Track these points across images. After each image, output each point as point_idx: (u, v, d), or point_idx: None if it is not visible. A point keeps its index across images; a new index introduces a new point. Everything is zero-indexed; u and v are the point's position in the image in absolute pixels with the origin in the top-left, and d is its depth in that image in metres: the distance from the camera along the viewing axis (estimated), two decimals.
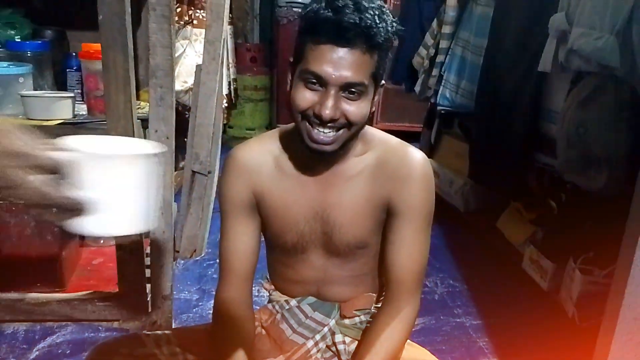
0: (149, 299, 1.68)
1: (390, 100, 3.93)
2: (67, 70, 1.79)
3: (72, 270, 1.77)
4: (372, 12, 0.83)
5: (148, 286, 1.67)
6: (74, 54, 1.80)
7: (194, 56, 2.40)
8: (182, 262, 2.12)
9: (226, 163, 1.03)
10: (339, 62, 0.83)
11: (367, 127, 0.96)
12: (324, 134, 0.87)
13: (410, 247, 0.97)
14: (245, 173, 1.00)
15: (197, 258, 2.16)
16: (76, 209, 0.59)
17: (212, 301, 1.83)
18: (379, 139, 0.98)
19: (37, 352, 1.56)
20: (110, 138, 0.73)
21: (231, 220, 1.01)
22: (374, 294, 1.07)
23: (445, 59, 2.55)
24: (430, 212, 0.98)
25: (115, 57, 1.39)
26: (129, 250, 1.57)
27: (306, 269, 1.04)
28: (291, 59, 0.91)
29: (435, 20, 2.62)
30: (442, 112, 2.63)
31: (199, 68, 1.94)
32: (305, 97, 0.86)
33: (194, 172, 2.05)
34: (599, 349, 1.21)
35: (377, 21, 0.83)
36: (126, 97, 1.43)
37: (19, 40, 1.72)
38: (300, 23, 0.89)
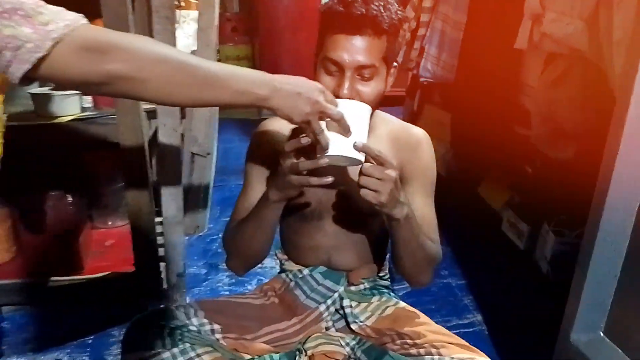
0: (163, 276, 1.82)
1: None
2: None
3: (87, 253, 1.89)
4: (377, 4, 0.97)
5: (162, 264, 1.81)
6: None
7: (183, 38, 2.45)
8: (187, 238, 2.25)
9: (255, 134, 1.17)
10: (352, 48, 0.96)
11: (377, 111, 1.09)
12: (345, 96, 0.99)
13: (424, 208, 1.13)
14: (270, 143, 1.13)
15: (201, 234, 2.29)
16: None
17: (220, 274, 1.99)
18: (387, 119, 1.15)
19: (63, 330, 1.70)
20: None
21: (252, 181, 1.15)
22: (377, 265, 1.23)
23: (426, 32, 2.64)
24: (434, 178, 1.15)
25: None
26: (144, 232, 1.70)
27: (319, 235, 1.17)
28: (315, 49, 1.03)
29: None
30: (424, 83, 2.75)
31: (193, 54, 2.01)
32: (326, 81, 0.99)
33: (193, 154, 2.15)
34: (571, 302, 1.38)
35: (382, 10, 0.96)
36: None
37: None
38: (320, 19, 1.02)
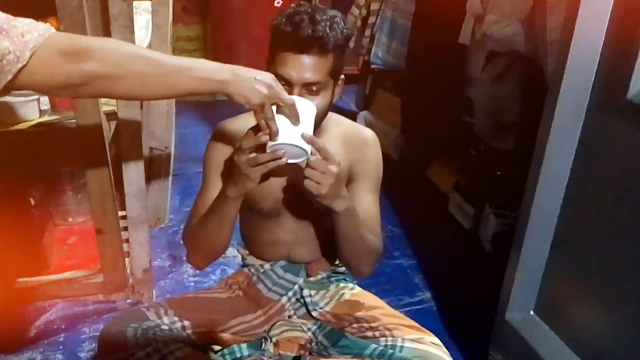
0: (128, 272, 1.88)
1: None
2: None
3: (52, 252, 1.92)
4: (323, 24, 1.03)
5: (126, 259, 1.87)
6: None
7: (136, 30, 2.43)
8: (149, 230, 2.30)
9: (215, 133, 1.24)
10: (300, 66, 1.03)
11: (330, 113, 1.18)
12: None
13: (369, 203, 1.23)
14: (229, 143, 1.20)
15: (162, 226, 2.34)
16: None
17: (184, 266, 2.06)
18: (339, 121, 1.24)
19: (35, 330, 1.74)
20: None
21: (211, 180, 1.22)
22: (333, 258, 1.34)
23: (376, 20, 2.72)
24: (380, 176, 1.25)
25: None
26: (108, 232, 1.74)
27: (278, 231, 1.27)
28: (266, 60, 1.10)
29: None
30: (375, 69, 2.84)
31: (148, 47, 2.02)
32: None
33: (151, 149, 2.18)
34: (505, 282, 1.54)
35: (328, 31, 1.03)
36: (94, 103, 1.55)
37: None
38: (270, 34, 1.08)
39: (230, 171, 1.17)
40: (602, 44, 1.09)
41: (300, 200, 1.22)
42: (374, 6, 2.70)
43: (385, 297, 1.93)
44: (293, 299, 1.32)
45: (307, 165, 1.03)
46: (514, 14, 1.72)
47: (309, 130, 1.01)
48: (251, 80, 0.91)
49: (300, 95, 1.06)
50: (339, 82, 1.14)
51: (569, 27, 1.11)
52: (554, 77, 1.22)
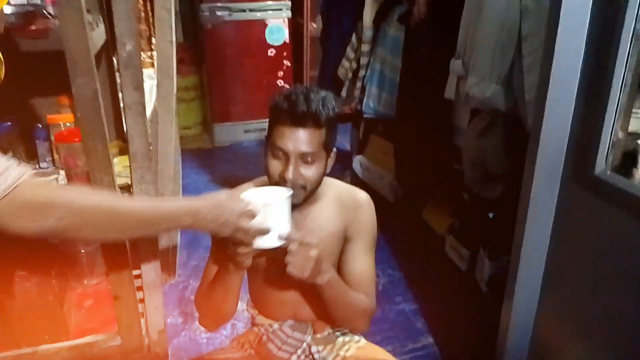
0: (144, 332, 1.97)
1: (317, 87, 4.24)
2: (36, 141, 1.95)
3: (70, 317, 2.01)
4: (316, 102, 1.16)
5: (142, 320, 1.96)
6: (40, 125, 1.96)
7: None
8: None
9: None
10: (296, 139, 1.17)
11: (325, 178, 1.30)
12: (290, 178, 1.20)
13: (362, 262, 1.35)
14: None
15: (172, 282, 2.44)
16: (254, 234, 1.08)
17: (196, 323, 2.15)
18: (334, 184, 1.36)
19: None
20: (259, 189, 1.20)
21: (218, 248, 1.34)
22: None
23: (366, 72, 2.87)
24: (375, 236, 1.37)
25: (96, 146, 1.61)
26: (125, 298, 1.84)
27: (284, 293, 1.38)
28: (265, 136, 1.25)
29: (354, 35, 2.92)
30: (367, 118, 2.98)
31: (155, 120, 2.16)
32: (274, 164, 1.21)
33: None
34: (501, 325, 1.64)
35: (321, 107, 1.16)
36: (109, 177, 1.66)
37: None
38: (269, 112, 1.23)
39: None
40: (570, 123, 1.22)
41: None
42: (363, 60, 2.85)
43: (389, 344, 2.04)
44: (302, 356, 1.43)
45: (288, 252, 1.16)
46: (493, 75, 1.86)
47: (285, 226, 1.14)
48: (218, 224, 1.03)
49: (295, 165, 1.19)
50: (332, 154, 1.27)
51: (540, 107, 1.25)
52: (530, 146, 1.35)
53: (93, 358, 1.94)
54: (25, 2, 1.78)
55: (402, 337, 2.12)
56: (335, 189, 1.36)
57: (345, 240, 1.35)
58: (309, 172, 1.21)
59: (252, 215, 1.11)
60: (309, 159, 1.19)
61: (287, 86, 4.33)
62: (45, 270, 1.83)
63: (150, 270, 1.84)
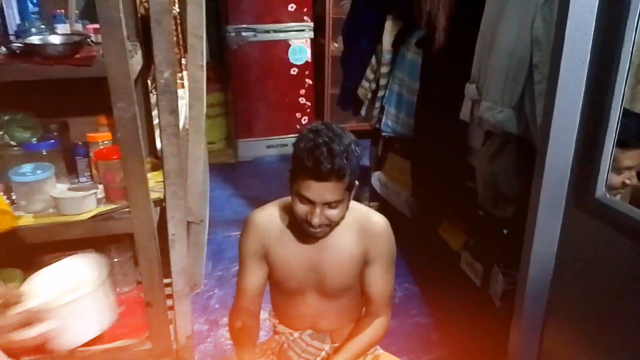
0: (172, 338, 2.09)
1: (337, 105, 4.36)
2: (76, 157, 2.09)
3: None
4: (341, 157, 1.21)
5: (170, 327, 2.08)
6: (79, 143, 2.11)
7: None
8: None
9: (246, 223, 1.46)
10: (321, 191, 1.25)
11: None
12: (314, 230, 1.31)
13: (381, 282, 1.44)
14: (259, 232, 1.43)
15: (198, 291, 2.57)
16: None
17: (221, 330, 2.27)
18: (353, 208, 1.42)
19: None
20: (64, 263, 1.21)
21: (246, 264, 1.45)
22: (354, 323, 1.54)
23: (385, 93, 2.98)
24: (393, 256, 1.46)
25: (133, 164, 1.75)
26: (156, 305, 1.97)
27: (304, 306, 1.48)
28: (289, 174, 1.33)
29: (374, 57, 3.04)
30: (386, 137, 3.09)
31: (185, 139, 2.30)
32: (301, 208, 1.30)
33: (188, 222, 2.43)
34: (511, 341, 1.72)
35: (345, 162, 1.22)
36: (144, 192, 1.80)
37: (35, 141, 2.01)
38: (292, 160, 1.30)
39: (264, 254, 1.43)
40: (573, 150, 1.32)
41: (320, 281, 1.43)
42: (382, 81, 2.96)
43: (405, 356, 2.13)
44: None
45: None
46: (505, 100, 1.96)
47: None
48: None
49: (321, 211, 1.27)
50: (354, 189, 1.35)
51: (545, 135, 1.35)
52: (536, 171, 1.45)
53: None
54: (70, 32, 1.95)
55: (416, 348, 2.20)
56: (356, 213, 1.43)
57: (365, 262, 1.43)
58: (334, 213, 1.30)
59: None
60: (334, 204, 1.28)
61: (309, 104, 4.48)
62: None
63: (179, 279, 1.97)
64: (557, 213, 1.39)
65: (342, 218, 1.34)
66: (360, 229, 1.41)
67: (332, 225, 1.32)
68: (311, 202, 1.27)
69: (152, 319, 2.00)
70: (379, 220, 1.44)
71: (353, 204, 1.43)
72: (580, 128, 1.29)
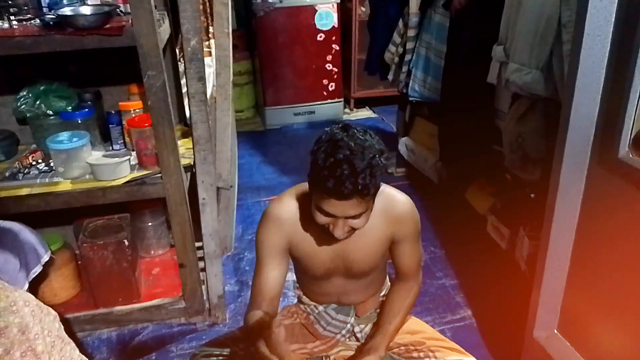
0: (205, 297, 2.19)
1: (364, 70, 4.33)
2: (110, 126, 2.17)
3: (140, 283, 2.26)
4: (364, 174, 1.10)
5: (203, 287, 2.18)
6: (113, 112, 2.19)
7: None
8: None
9: (264, 217, 1.38)
10: (342, 209, 1.15)
11: None
12: (339, 236, 1.24)
13: (411, 255, 1.45)
14: (282, 227, 1.35)
15: (229, 254, 2.66)
16: None
17: None
18: (379, 192, 1.32)
19: (130, 349, 2.08)
20: None
21: (265, 261, 1.37)
22: (379, 293, 1.59)
23: (412, 57, 2.96)
24: (419, 232, 1.44)
25: (164, 131, 1.82)
26: (188, 266, 2.06)
27: (329, 287, 1.49)
28: (308, 178, 1.20)
29: (401, 20, 3.01)
30: (413, 101, 3.08)
31: (213, 106, 2.35)
32: (322, 219, 1.22)
33: (218, 188, 2.51)
34: (532, 303, 1.73)
35: (369, 180, 1.11)
36: (175, 158, 1.87)
37: (70, 110, 2.09)
38: (311, 168, 1.17)
39: (283, 250, 1.37)
40: (597, 109, 1.31)
41: (347, 266, 1.43)
42: (409, 45, 2.93)
43: (429, 315, 2.18)
44: (347, 335, 1.55)
45: None
46: (533, 62, 1.93)
47: None
48: None
49: (343, 224, 1.19)
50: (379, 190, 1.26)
51: (569, 93, 1.34)
52: (560, 131, 1.44)
53: (161, 320, 2.19)
54: (100, 3, 1.99)
55: (441, 309, 2.24)
56: (380, 197, 1.34)
57: (392, 242, 1.42)
58: (358, 223, 1.22)
59: None
60: (357, 216, 1.19)
61: (335, 70, 4.46)
62: (120, 241, 2.07)
63: (210, 242, 2.05)
64: (581, 173, 1.39)
65: (367, 222, 1.26)
66: (385, 213, 1.37)
67: (355, 231, 1.26)
68: (333, 217, 1.19)
69: (185, 279, 2.10)
70: (403, 201, 1.39)
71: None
72: (605, 87, 1.27)
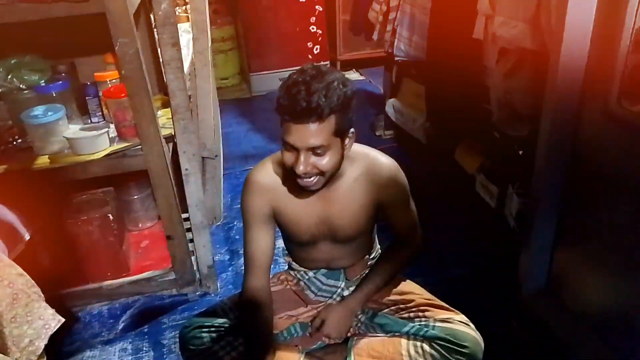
0: (195, 268, 2.18)
1: (349, 31, 4.24)
2: (87, 98, 2.11)
3: (129, 256, 2.24)
4: (318, 94, 1.10)
5: (193, 258, 2.16)
6: (88, 83, 2.12)
7: None
8: None
9: (246, 183, 1.38)
10: (301, 134, 1.15)
11: (352, 149, 1.31)
12: (306, 181, 1.24)
13: (402, 218, 1.44)
14: (264, 193, 1.36)
15: (218, 223, 2.64)
16: None
17: (241, 259, 2.33)
18: (361, 154, 1.35)
19: (122, 323, 2.07)
20: None
21: (252, 228, 1.39)
22: (368, 256, 1.57)
23: (396, 15, 2.87)
24: (408, 195, 1.42)
25: (141, 101, 1.76)
26: (176, 238, 2.04)
27: (317, 253, 1.49)
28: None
29: None
30: (399, 61, 3.01)
31: (193, 74, 2.28)
32: (287, 157, 1.22)
33: (203, 158, 2.46)
34: (521, 260, 1.73)
35: (324, 99, 1.11)
36: (155, 129, 1.82)
37: (44, 83, 2.01)
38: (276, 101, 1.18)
39: (269, 212, 1.37)
40: (586, 58, 1.26)
41: (333, 231, 1.42)
42: (393, 2, 2.85)
43: (419, 276, 2.14)
44: (338, 298, 1.56)
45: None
46: (520, 14, 1.86)
47: None
48: None
49: (306, 158, 1.17)
50: (349, 135, 1.24)
51: (557, 43, 1.29)
52: (549, 81, 1.40)
53: (152, 292, 2.18)
54: None
55: (431, 269, 2.24)
56: (363, 160, 1.35)
57: (380, 207, 1.39)
58: (322, 162, 1.19)
59: None
60: (319, 151, 1.17)
61: (320, 32, 4.35)
62: (104, 216, 2.04)
63: (197, 213, 2.02)
64: (570, 125, 1.36)
65: (336, 168, 1.25)
66: (368, 176, 1.35)
67: (324, 175, 1.23)
68: (295, 149, 1.18)
69: (173, 251, 2.08)
70: (387, 165, 1.36)
71: (359, 148, 1.35)
72: (595, 33, 1.23)
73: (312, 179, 1.23)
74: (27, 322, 1.15)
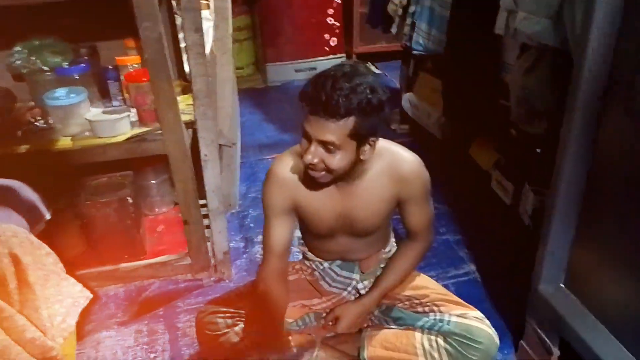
0: (210, 254, 2.19)
1: (366, 24, 4.22)
2: (108, 81, 2.13)
3: (145, 240, 2.26)
4: (341, 92, 1.11)
5: (208, 244, 2.18)
6: (110, 67, 2.14)
7: None
8: None
9: (268, 176, 1.40)
10: (316, 126, 1.16)
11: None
12: (312, 172, 1.26)
13: (419, 215, 1.44)
14: (285, 187, 1.37)
15: (233, 211, 2.66)
16: None
17: (256, 247, 2.35)
18: (384, 149, 1.35)
19: (138, 306, 2.10)
20: None
21: (272, 220, 1.41)
22: (383, 249, 1.58)
23: (415, 8, 2.86)
24: (429, 191, 1.42)
25: (162, 85, 1.77)
26: (193, 223, 2.06)
27: (333, 245, 1.50)
28: None
29: None
30: (416, 55, 3.00)
31: (213, 61, 2.29)
32: (303, 143, 1.23)
33: (220, 145, 2.47)
34: (538, 256, 1.72)
35: (343, 99, 1.11)
36: (174, 114, 1.83)
37: (66, 66, 2.04)
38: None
39: (289, 204, 1.38)
40: (612, 56, 1.26)
41: (351, 225, 1.43)
42: None
43: (433, 270, 2.19)
44: (352, 291, 1.57)
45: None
46: (543, 10, 1.85)
47: None
48: None
49: (315, 149, 1.18)
50: (370, 142, 1.23)
51: (584, 41, 1.29)
52: (573, 79, 1.39)
53: (167, 276, 2.20)
54: None
55: (444, 264, 2.25)
56: (386, 156, 1.34)
57: (399, 201, 1.40)
58: (331, 159, 1.19)
59: None
60: (330, 147, 1.17)
61: (337, 24, 4.35)
62: (122, 199, 2.06)
63: (214, 199, 2.04)
64: (593, 125, 1.35)
65: (345, 169, 1.24)
66: (391, 172, 1.35)
67: (332, 173, 1.23)
68: (308, 139, 1.20)
69: (190, 236, 2.10)
70: (410, 160, 1.36)
71: (382, 143, 1.34)
72: (623, 31, 1.22)
73: (316, 173, 1.25)
74: (59, 300, 1.17)
